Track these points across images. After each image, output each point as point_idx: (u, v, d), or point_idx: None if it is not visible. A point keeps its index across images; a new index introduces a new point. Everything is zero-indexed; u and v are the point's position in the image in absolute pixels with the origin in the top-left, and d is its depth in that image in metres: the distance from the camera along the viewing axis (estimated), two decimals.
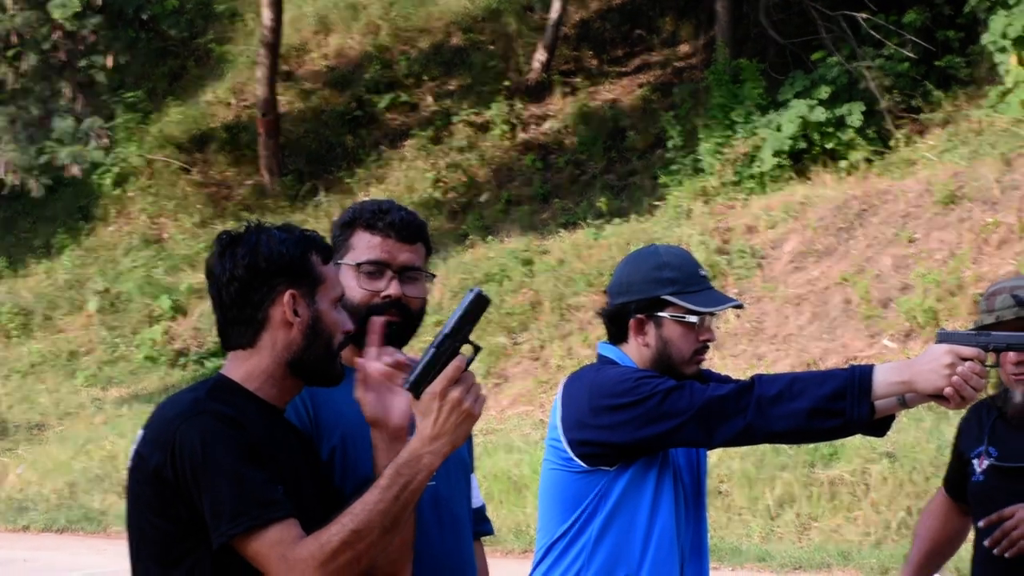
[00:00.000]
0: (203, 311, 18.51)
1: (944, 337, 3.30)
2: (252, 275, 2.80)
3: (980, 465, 4.08)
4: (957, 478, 4.29)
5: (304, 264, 2.82)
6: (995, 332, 3.42)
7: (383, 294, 3.14)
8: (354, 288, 3.10)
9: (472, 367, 2.78)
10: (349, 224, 3.22)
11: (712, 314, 3.62)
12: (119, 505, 13.14)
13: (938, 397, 3.25)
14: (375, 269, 3.16)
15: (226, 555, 2.67)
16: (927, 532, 4.43)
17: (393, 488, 2.70)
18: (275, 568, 2.64)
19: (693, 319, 3.59)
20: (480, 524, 3.47)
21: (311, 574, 2.64)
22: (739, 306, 3.72)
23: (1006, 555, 3.88)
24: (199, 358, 18.06)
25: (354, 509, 2.69)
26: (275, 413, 2.85)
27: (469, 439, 3.39)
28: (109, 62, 21.34)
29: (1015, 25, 15.72)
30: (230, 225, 19.85)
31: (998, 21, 15.86)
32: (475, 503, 3.40)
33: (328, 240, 3.00)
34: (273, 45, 20.92)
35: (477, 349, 2.80)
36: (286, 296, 2.79)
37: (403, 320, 3.17)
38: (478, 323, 2.78)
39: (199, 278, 19.07)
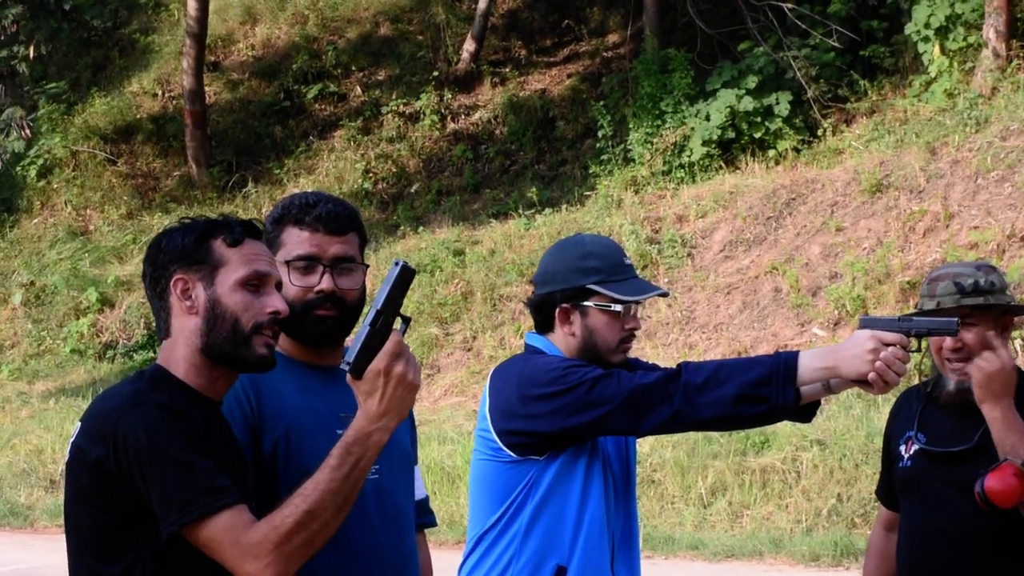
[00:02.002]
0: (130, 303, 18.32)
1: (867, 323, 3.32)
2: (152, 266, 2.86)
3: (908, 450, 4.06)
4: (889, 481, 4.21)
5: (198, 249, 2.83)
6: (917, 318, 3.44)
7: (316, 289, 3.15)
8: (287, 285, 3.09)
9: None
10: (279, 220, 3.22)
11: (637, 303, 3.62)
12: (46, 500, 12.99)
13: (862, 382, 3.27)
14: (306, 264, 3.16)
15: (170, 546, 2.67)
16: (875, 573, 4.28)
17: (344, 467, 2.71)
18: (229, 553, 2.64)
19: (618, 308, 3.59)
20: (423, 516, 3.48)
21: (265, 557, 2.64)
22: (664, 294, 3.72)
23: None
24: (127, 351, 17.88)
25: (305, 490, 2.69)
26: (211, 405, 2.85)
27: (413, 431, 3.40)
28: (31, 52, 21.08)
29: (937, 15, 15.91)
30: (157, 216, 19.81)
31: (921, 11, 16.04)
32: (418, 495, 3.41)
33: (241, 223, 2.97)
34: (199, 35, 20.73)
35: (407, 320, 2.81)
36: (173, 281, 2.82)
37: (340, 314, 3.18)
38: (406, 296, 2.79)
39: (126, 270, 18.88)
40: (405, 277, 2.78)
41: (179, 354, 2.83)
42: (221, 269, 2.83)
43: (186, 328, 2.82)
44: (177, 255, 2.83)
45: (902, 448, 4.09)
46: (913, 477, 4.01)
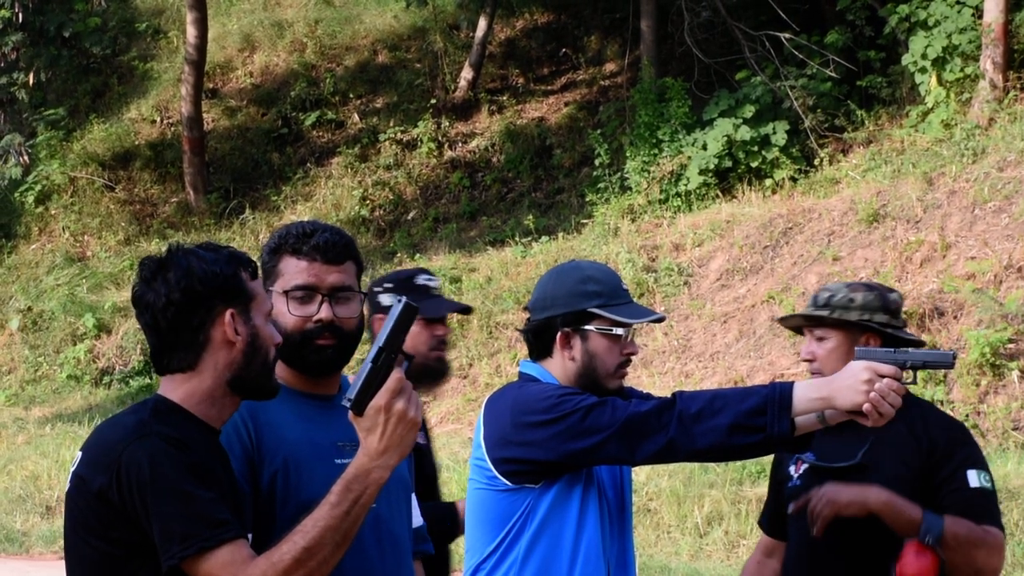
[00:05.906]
0: (127, 329, 18.30)
1: (862, 354, 3.34)
2: (189, 298, 2.80)
3: (797, 470, 4.15)
4: (774, 507, 4.32)
5: (237, 282, 2.83)
6: (913, 350, 3.47)
7: (315, 318, 3.15)
8: (285, 314, 3.09)
9: None
10: (276, 250, 3.21)
11: (638, 324, 3.64)
12: (42, 526, 12.95)
13: (857, 413, 3.28)
14: (304, 294, 3.16)
15: None
16: None
17: (343, 504, 2.71)
18: None
19: (620, 331, 3.60)
20: (420, 544, 3.49)
21: None
22: (661, 319, 3.73)
23: (813, 532, 3.90)
24: (123, 377, 17.85)
25: (304, 526, 2.70)
26: (213, 434, 2.85)
27: (410, 458, 3.39)
28: (31, 79, 21.12)
29: (934, 46, 15.97)
30: (155, 243, 19.80)
31: (918, 42, 16.10)
32: (415, 522, 3.41)
33: (251, 256, 2.99)
34: (198, 63, 20.78)
35: (409, 358, 2.81)
36: (227, 316, 2.80)
37: (339, 342, 3.17)
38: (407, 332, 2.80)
39: (123, 296, 18.86)
40: (407, 314, 2.79)
41: (200, 386, 2.81)
42: (253, 302, 2.86)
43: (221, 361, 2.81)
44: (220, 288, 2.81)
45: (791, 468, 4.19)
46: (802, 495, 4.06)
